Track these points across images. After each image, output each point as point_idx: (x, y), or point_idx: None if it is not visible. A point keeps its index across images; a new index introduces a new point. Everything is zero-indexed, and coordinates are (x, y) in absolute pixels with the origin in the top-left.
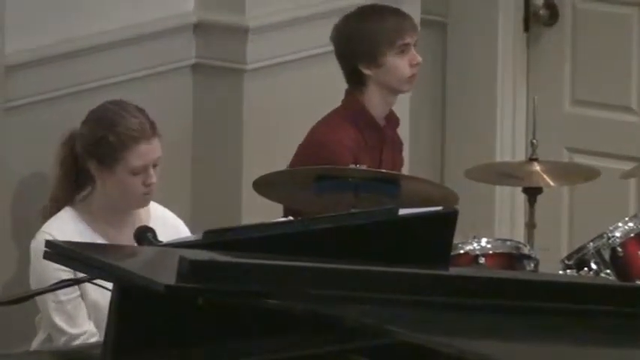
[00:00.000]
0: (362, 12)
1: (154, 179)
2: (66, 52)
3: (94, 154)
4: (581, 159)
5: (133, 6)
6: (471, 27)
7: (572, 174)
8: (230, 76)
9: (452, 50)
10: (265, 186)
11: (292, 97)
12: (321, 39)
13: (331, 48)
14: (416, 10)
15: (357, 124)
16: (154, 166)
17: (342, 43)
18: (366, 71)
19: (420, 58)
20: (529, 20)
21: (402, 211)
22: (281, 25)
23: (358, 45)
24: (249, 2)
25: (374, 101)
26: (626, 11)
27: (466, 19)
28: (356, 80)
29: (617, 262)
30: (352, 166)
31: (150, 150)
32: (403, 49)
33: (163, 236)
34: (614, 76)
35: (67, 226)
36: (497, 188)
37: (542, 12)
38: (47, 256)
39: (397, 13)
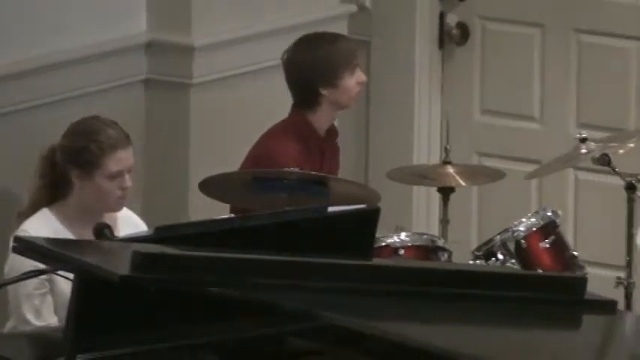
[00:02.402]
0: (313, 39)
1: (129, 183)
2: (28, 69)
3: (76, 163)
4: (489, 162)
5: (91, 26)
6: (392, 45)
7: (481, 175)
8: (178, 90)
9: (375, 66)
10: (210, 187)
11: (234, 108)
12: (260, 56)
13: (270, 64)
14: (344, 31)
15: (302, 137)
16: (129, 171)
17: (299, 69)
18: (324, 92)
19: (365, 77)
20: (443, 39)
21: (331, 209)
22: (224, 44)
23: (319, 69)
24: (195, 23)
25: (323, 118)
26: (529, 32)
27: (387, 39)
28: (310, 100)
29: (520, 253)
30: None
31: (126, 157)
32: (353, 70)
33: (127, 234)
34: (518, 89)
35: (43, 226)
36: (415, 188)
37: (454, 32)
38: (15, 250)
39: (344, 37)
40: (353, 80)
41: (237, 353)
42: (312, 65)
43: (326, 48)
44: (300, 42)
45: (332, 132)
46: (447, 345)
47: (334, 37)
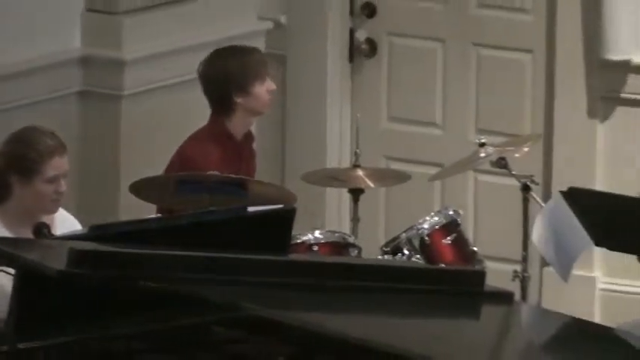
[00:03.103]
0: (227, 52)
1: (64, 187)
2: None
3: (16, 169)
4: (395, 165)
5: (29, 42)
6: (306, 59)
7: (388, 177)
8: (110, 101)
9: (290, 77)
10: (138, 189)
11: (161, 117)
12: (185, 69)
13: (194, 76)
14: (261, 46)
15: (220, 142)
16: (64, 176)
17: (214, 79)
18: (238, 99)
19: (275, 86)
20: (353, 53)
21: (250, 209)
22: (152, 58)
23: (232, 78)
24: (125, 40)
25: (239, 124)
26: (432, 46)
27: (302, 53)
28: (226, 107)
29: (425, 248)
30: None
31: (62, 163)
32: (264, 79)
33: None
34: (422, 98)
35: None
36: (328, 189)
37: (363, 46)
38: None
39: (254, 49)
40: (264, 88)
41: (166, 341)
42: (225, 76)
43: (238, 59)
44: (214, 55)
45: (248, 137)
46: (359, 334)
47: (245, 50)
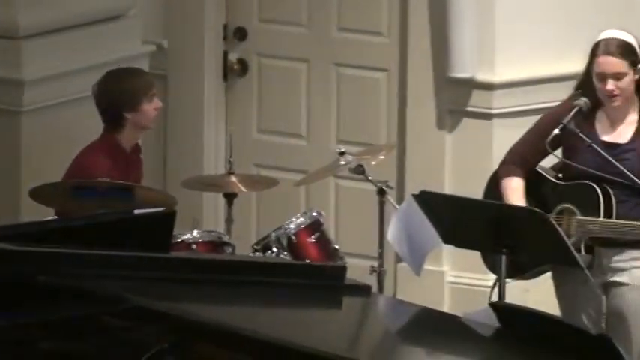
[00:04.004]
0: (119, 73)
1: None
2: None
3: None
4: (265, 172)
5: None
6: (185, 78)
7: (258, 183)
8: (11, 117)
9: (171, 95)
10: (38, 195)
11: (58, 130)
12: (78, 88)
13: (87, 94)
14: (145, 67)
15: (111, 153)
16: None
17: (107, 98)
18: (128, 116)
19: (160, 104)
20: (227, 73)
21: (137, 212)
22: (49, 78)
23: (123, 97)
24: (24, 61)
25: (128, 137)
26: (297, 66)
27: (181, 73)
28: (117, 123)
29: (291, 246)
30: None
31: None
32: (151, 98)
33: None
34: (288, 112)
35: None
36: (205, 194)
37: (236, 66)
38: None
39: (142, 71)
40: (151, 106)
41: (62, 330)
42: (117, 94)
43: (128, 81)
44: (107, 76)
45: (136, 148)
46: (233, 322)
47: (135, 72)
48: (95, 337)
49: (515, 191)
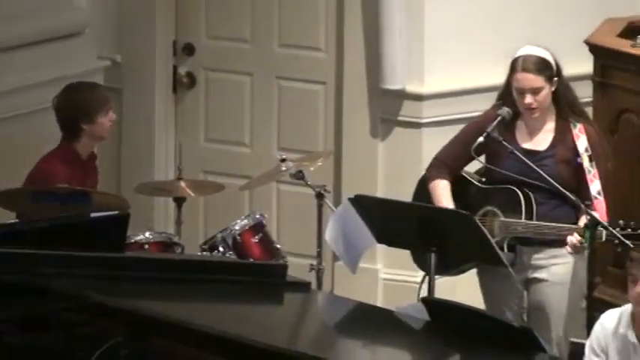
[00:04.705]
0: (77, 87)
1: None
2: None
3: None
4: (212, 178)
5: None
6: (138, 91)
7: (206, 188)
8: None
9: (126, 107)
10: (0, 200)
11: (21, 139)
12: (39, 100)
13: (47, 106)
14: (101, 81)
15: (69, 160)
16: None
17: (66, 110)
18: (85, 127)
19: (115, 116)
20: (176, 85)
21: (93, 215)
22: (12, 92)
23: (80, 110)
24: None
25: (85, 146)
26: (242, 79)
27: (134, 86)
28: (74, 133)
29: (237, 246)
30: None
31: None
32: (107, 110)
33: None
34: (233, 122)
35: None
36: (156, 198)
37: (185, 79)
38: None
39: (99, 85)
40: (107, 119)
41: (27, 324)
42: (75, 107)
43: (86, 94)
44: (66, 89)
45: (92, 156)
46: (182, 317)
47: (92, 86)
48: (56, 332)
49: (443, 191)
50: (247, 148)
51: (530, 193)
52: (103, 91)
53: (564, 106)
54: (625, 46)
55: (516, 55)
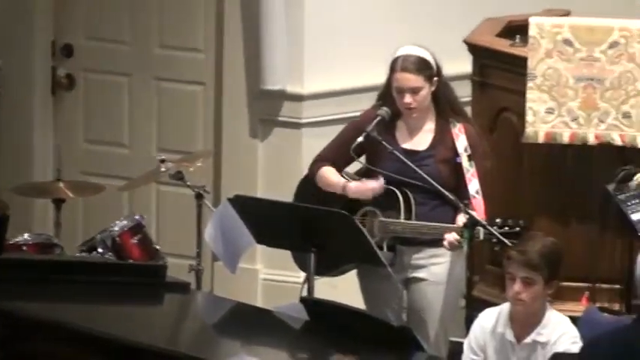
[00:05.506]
0: None
1: None
2: None
3: None
4: (91, 179)
5: None
6: (16, 93)
7: (85, 189)
8: None
9: (4, 109)
10: None
11: None
12: None
13: None
14: None
15: None
16: None
17: None
18: None
19: None
20: (55, 87)
21: None
22: None
23: None
24: None
25: None
26: (121, 80)
27: (13, 88)
28: None
29: (116, 247)
30: None
31: None
32: None
33: None
34: (113, 123)
35: None
36: (35, 200)
37: (63, 81)
38: None
39: None
40: None
41: None
42: None
43: None
44: None
45: None
46: (61, 318)
47: None
48: None
49: (330, 172)
50: (126, 149)
51: (409, 193)
52: None
53: (444, 105)
54: (504, 45)
55: (396, 55)
